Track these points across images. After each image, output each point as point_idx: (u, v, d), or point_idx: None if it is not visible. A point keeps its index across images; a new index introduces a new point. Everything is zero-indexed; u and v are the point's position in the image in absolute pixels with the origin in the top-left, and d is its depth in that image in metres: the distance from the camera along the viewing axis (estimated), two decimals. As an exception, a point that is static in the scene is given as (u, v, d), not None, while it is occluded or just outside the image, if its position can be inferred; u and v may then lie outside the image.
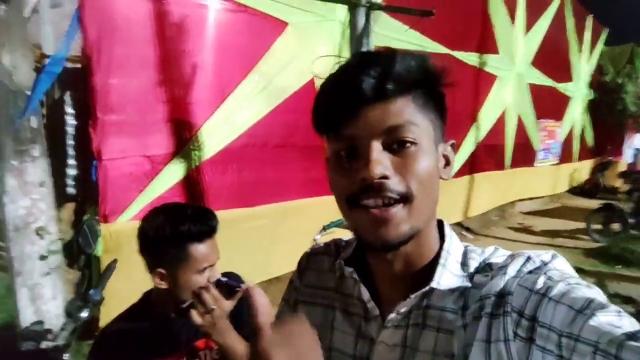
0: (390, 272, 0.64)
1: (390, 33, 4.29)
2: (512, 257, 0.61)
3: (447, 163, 0.63)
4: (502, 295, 0.56)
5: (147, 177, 3.04)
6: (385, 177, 0.56)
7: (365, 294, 0.65)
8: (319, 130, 0.62)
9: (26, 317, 2.72)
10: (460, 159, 6.12)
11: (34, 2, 2.71)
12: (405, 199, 0.57)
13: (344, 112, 0.58)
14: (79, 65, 2.85)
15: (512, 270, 0.58)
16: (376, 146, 0.57)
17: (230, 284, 1.12)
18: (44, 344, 1.30)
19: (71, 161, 2.98)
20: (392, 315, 0.62)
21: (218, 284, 1.11)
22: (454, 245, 0.64)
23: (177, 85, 3.18)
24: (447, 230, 0.66)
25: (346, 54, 2.62)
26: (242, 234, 3.38)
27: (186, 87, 3.22)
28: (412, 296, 0.61)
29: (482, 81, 6.49)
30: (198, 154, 3.25)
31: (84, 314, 1.35)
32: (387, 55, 0.58)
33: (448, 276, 0.61)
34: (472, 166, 6.50)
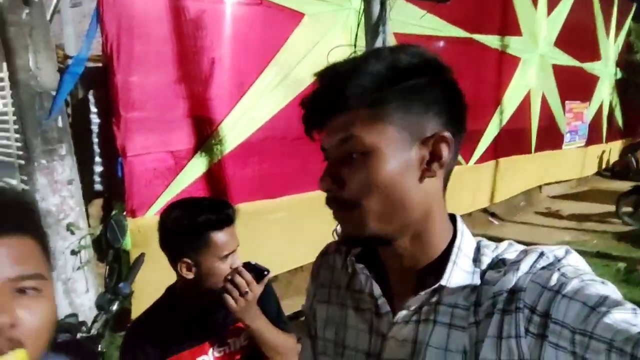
0: (398, 267, 0.65)
1: (408, 19, 4.23)
2: (525, 252, 0.61)
3: (435, 158, 0.60)
4: (514, 292, 0.56)
5: (171, 172, 3.10)
6: (332, 190, 0.61)
7: (377, 290, 0.65)
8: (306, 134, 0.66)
9: (61, 310, 2.83)
10: (484, 143, 6.03)
11: (55, 2, 2.78)
12: (353, 206, 0.60)
13: (311, 128, 0.63)
14: (100, 64, 2.91)
15: (524, 266, 0.58)
16: (330, 161, 0.62)
17: (258, 268, 1.16)
18: (79, 336, 1.35)
19: (97, 158, 3.06)
20: (402, 311, 0.63)
21: (246, 267, 1.15)
22: (465, 242, 0.64)
23: (197, 81, 3.22)
24: (460, 226, 0.65)
25: (362, 43, 2.60)
26: (264, 226, 3.42)
27: (205, 82, 3.25)
28: (422, 293, 0.61)
29: (505, 64, 6.34)
30: (219, 148, 3.30)
31: (114, 307, 1.40)
32: (342, 68, 0.60)
33: (459, 273, 0.61)
34: (497, 151, 6.39)
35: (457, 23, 5.18)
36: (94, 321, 1.37)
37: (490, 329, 0.56)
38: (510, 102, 6.57)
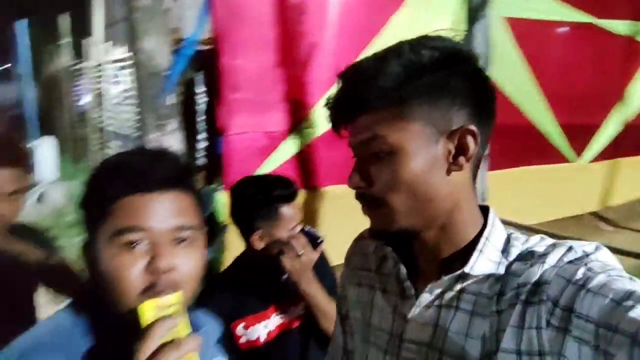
0: (425, 254, 0.66)
1: (518, 2, 3.95)
2: (553, 246, 0.60)
3: (462, 151, 0.60)
4: (539, 284, 0.56)
5: (265, 152, 3.27)
6: (360, 187, 0.63)
7: (403, 273, 0.68)
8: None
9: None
10: (602, 140, 5.47)
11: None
12: (380, 203, 0.62)
13: (336, 127, 0.65)
14: (209, 47, 3.14)
15: (551, 260, 0.57)
16: (358, 158, 0.64)
17: (313, 234, 1.23)
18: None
19: (201, 135, 3.32)
20: (425, 295, 0.64)
21: (303, 232, 1.24)
22: (495, 233, 0.64)
23: (295, 65, 3.33)
24: (491, 217, 0.65)
25: (463, 27, 2.50)
26: (349, 209, 3.48)
27: (303, 66, 3.36)
28: (445, 278, 0.62)
29: (633, 53, 5.65)
30: (311, 131, 3.40)
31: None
32: (363, 68, 0.61)
33: (484, 262, 0.62)
34: (618, 149, 5.76)
35: (578, 6, 4.71)
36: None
37: (512, 319, 0.57)
38: (637, 95, 5.86)
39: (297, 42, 3.33)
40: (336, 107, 0.64)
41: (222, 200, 3.17)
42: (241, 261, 1.37)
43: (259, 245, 1.26)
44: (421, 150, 0.59)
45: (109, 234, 0.66)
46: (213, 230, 2.91)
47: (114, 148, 6.63)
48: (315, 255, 1.22)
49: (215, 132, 3.21)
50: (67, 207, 6.54)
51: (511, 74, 3.98)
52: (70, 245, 5.35)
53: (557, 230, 2.17)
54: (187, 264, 0.68)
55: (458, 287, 0.63)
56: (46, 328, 0.71)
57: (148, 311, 0.63)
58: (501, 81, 3.96)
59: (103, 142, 7.24)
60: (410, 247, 0.69)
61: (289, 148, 3.35)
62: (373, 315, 0.72)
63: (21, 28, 7.42)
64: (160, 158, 0.73)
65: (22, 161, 1.35)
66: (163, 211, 0.67)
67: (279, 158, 3.30)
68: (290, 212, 1.27)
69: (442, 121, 0.60)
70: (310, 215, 3.33)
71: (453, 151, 0.60)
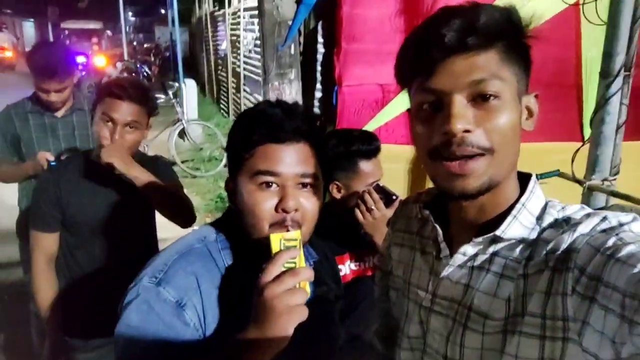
0: (465, 217, 0.68)
1: None
2: (588, 215, 0.59)
3: (530, 114, 0.63)
4: (568, 251, 0.56)
5: (378, 105, 3.26)
6: (467, 131, 0.59)
7: (439, 234, 0.71)
8: (401, 82, 0.65)
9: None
10: None
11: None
12: (487, 152, 0.60)
13: (428, 65, 0.60)
14: (331, -3, 3.14)
15: (584, 228, 0.57)
16: (459, 100, 0.59)
17: (388, 192, 1.26)
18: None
19: (318, 85, 3.42)
20: (458, 256, 0.67)
21: (377, 189, 1.26)
22: (532, 200, 0.65)
23: (418, 14, 3.20)
24: (531, 185, 0.66)
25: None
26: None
27: (426, 16, 3.21)
28: (477, 240, 0.65)
29: None
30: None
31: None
32: (471, 8, 0.59)
33: (516, 227, 0.63)
34: None
35: None
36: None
37: (539, 285, 0.58)
38: None
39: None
40: (446, 38, 0.59)
41: (332, 149, 3.29)
42: (327, 206, 1.47)
43: (337, 195, 1.35)
44: (515, 102, 0.62)
45: (249, 174, 0.82)
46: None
47: (247, 92, 7.10)
48: (388, 212, 1.26)
49: (332, 83, 3.28)
50: (205, 143, 7.28)
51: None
52: (207, 176, 6.02)
53: None
54: (308, 205, 0.82)
55: (490, 250, 0.65)
56: (195, 237, 0.89)
57: (276, 241, 0.77)
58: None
59: (238, 86, 7.78)
60: (445, 211, 0.72)
61: (402, 102, 3.29)
62: (413, 274, 0.77)
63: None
64: (293, 112, 0.86)
65: (143, 99, 1.58)
66: (291, 159, 0.82)
67: (392, 112, 3.27)
68: (369, 168, 1.32)
69: (524, 81, 0.64)
70: (416, 172, 3.30)
71: (525, 114, 0.64)
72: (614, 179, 2.16)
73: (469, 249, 0.66)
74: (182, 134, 6.74)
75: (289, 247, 0.76)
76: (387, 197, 1.28)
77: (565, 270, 0.56)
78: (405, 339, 0.76)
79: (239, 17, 7.30)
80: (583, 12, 2.26)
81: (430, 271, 0.73)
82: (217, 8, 10.55)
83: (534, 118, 0.65)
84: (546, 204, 0.66)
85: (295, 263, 0.74)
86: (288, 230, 0.79)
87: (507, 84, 0.60)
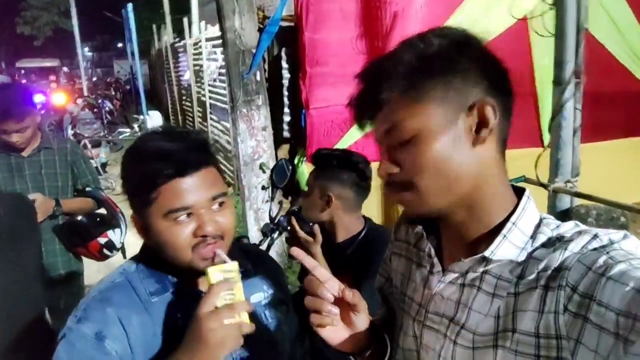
0: (452, 234, 0.69)
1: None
2: (579, 233, 0.59)
3: (483, 124, 0.61)
4: (560, 269, 0.57)
5: (346, 124, 3.33)
6: (391, 174, 0.65)
7: (432, 250, 0.72)
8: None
9: (253, 234, 3.41)
10: None
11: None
12: (408, 187, 0.64)
13: (362, 125, 0.68)
14: (292, 24, 3.23)
15: (574, 246, 0.57)
16: (384, 149, 0.66)
17: (303, 217, 1.40)
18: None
19: (286, 109, 3.47)
20: (449, 274, 0.68)
21: (294, 214, 1.41)
22: (525, 217, 0.64)
23: (377, 36, 3.31)
24: (523, 202, 0.65)
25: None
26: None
27: (386, 38, 3.32)
28: (465, 260, 0.65)
29: None
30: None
31: (275, 235, 1.68)
32: (376, 66, 0.65)
33: (507, 247, 0.62)
34: None
35: None
36: (259, 245, 1.68)
37: (531, 303, 0.58)
38: None
39: (380, 12, 3.28)
40: (357, 107, 0.68)
41: (304, 171, 3.32)
42: None
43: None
44: (441, 129, 0.61)
45: (160, 213, 0.82)
46: (294, 200, 3.08)
47: (215, 120, 7.07)
48: (309, 238, 1.36)
49: (299, 106, 3.33)
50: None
51: (619, 33, 3.60)
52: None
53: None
54: (225, 221, 0.85)
55: (481, 268, 0.64)
56: (116, 272, 0.92)
57: (214, 273, 0.78)
58: (608, 43, 3.60)
59: (204, 115, 7.75)
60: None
61: (370, 121, 3.38)
62: (408, 286, 0.77)
63: (129, 10, 8.09)
64: (189, 141, 0.86)
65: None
66: (200, 188, 0.83)
67: (360, 131, 3.35)
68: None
69: (457, 98, 0.61)
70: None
71: (474, 125, 0.61)
72: (576, 180, 2.26)
73: (459, 267, 0.66)
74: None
75: (227, 278, 0.77)
76: (304, 223, 1.36)
77: (557, 288, 0.55)
78: (400, 350, 0.77)
79: (200, 47, 7.33)
80: (532, 25, 2.40)
81: (424, 285, 0.73)
82: (177, 39, 10.57)
83: (490, 127, 0.61)
84: (540, 222, 0.64)
85: (233, 294, 0.76)
86: (215, 254, 0.82)
87: (425, 117, 0.61)
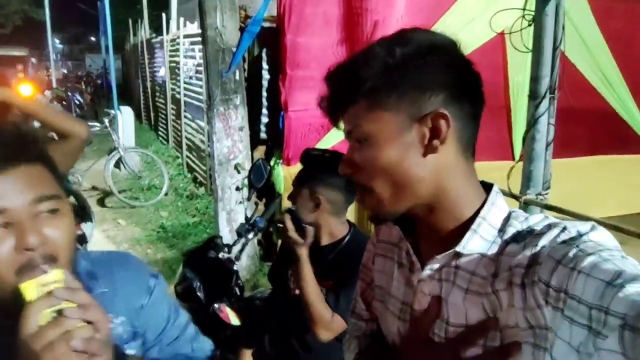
0: (425, 231, 0.71)
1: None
2: (549, 226, 0.61)
3: (435, 135, 0.63)
4: (532, 265, 0.58)
5: (324, 128, 3.33)
6: (347, 174, 0.68)
7: (410, 248, 0.73)
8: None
9: (225, 235, 3.36)
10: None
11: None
12: (366, 190, 0.66)
13: (335, 122, 0.70)
14: (274, 25, 3.21)
15: (544, 241, 0.59)
16: (350, 146, 0.68)
17: (298, 218, 1.35)
18: (221, 254, 1.65)
19: (264, 110, 3.44)
20: (425, 271, 0.69)
21: (290, 213, 1.37)
22: (492, 212, 0.66)
23: (358, 43, 3.33)
24: (492, 197, 0.67)
25: (532, 7, 2.38)
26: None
27: (367, 44, 3.34)
28: (438, 256, 0.67)
29: None
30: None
31: (250, 236, 1.65)
32: (341, 69, 0.67)
33: (477, 240, 0.64)
34: None
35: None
36: (233, 245, 1.65)
37: (516, 302, 0.59)
38: None
39: (361, 19, 3.31)
40: (326, 105, 0.70)
41: (280, 173, 3.29)
42: None
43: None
44: (394, 137, 0.63)
45: None
46: (269, 202, 3.04)
47: (189, 118, 6.97)
48: (299, 239, 1.33)
49: (278, 108, 3.31)
50: (144, 171, 7.02)
51: (590, 55, 3.73)
52: (147, 205, 5.80)
53: (632, 225, 2.06)
54: (56, 234, 0.67)
55: (454, 263, 0.66)
56: None
57: (30, 290, 0.62)
58: (579, 63, 3.72)
59: (178, 112, 7.63)
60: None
61: (347, 126, 3.38)
62: (392, 286, 0.78)
63: (105, 3, 7.91)
64: (6, 133, 0.70)
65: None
66: (15, 188, 0.66)
67: (338, 135, 3.34)
68: None
69: (412, 109, 0.63)
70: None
71: (427, 135, 0.63)
72: (547, 193, 2.32)
73: (434, 264, 0.68)
74: (119, 162, 6.47)
75: (49, 291, 0.62)
76: (297, 225, 1.33)
77: (532, 285, 0.57)
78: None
79: (178, 43, 7.22)
80: (510, 40, 2.46)
81: (406, 283, 0.74)
82: (154, 35, 10.37)
83: (442, 137, 0.62)
84: (509, 215, 0.66)
85: (60, 303, 0.61)
86: (45, 272, 0.63)
87: (382, 124, 0.63)
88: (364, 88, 0.64)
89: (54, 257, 0.66)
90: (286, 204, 1.85)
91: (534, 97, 2.18)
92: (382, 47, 0.64)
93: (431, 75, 0.63)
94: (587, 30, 3.66)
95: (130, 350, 0.82)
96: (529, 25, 2.27)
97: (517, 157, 3.25)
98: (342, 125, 0.70)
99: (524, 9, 2.54)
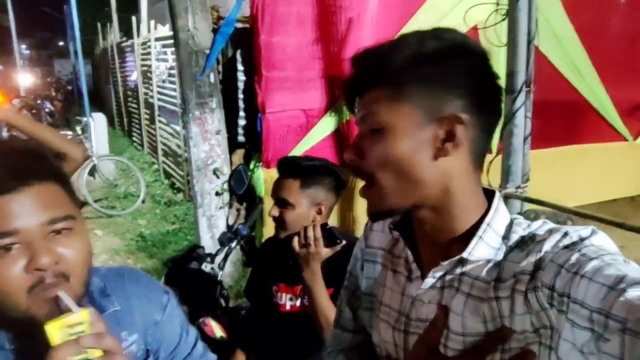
0: (427, 237, 0.69)
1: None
2: (550, 232, 0.60)
3: (450, 138, 0.62)
4: (535, 271, 0.58)
5: (303, 130, 3.30)
6: (352, 161, 0.66)
7: (410, 256, 0.71)
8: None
9: (206, 242, 3.30)
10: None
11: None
12: (371, 182, 0.64)
13: (349, 105, 0.69)
14: (247, 26, 3.16)
15: (547, 246, 0.58)
16: (360, 132, 0.66)
17: (333, 233, 1.24)
18: (204, 265, 1.60)
19: (241, 113, 3.39)
20: (428, 279, 0.68)
21: (324, 228, 1.25)
22: (497, 219, 0.65)
23: (333, 41, 3.30)
24: (495, 203, 0.66)
25: (505, 2, 2.40)
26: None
27: (341, 43, 3.32)
28: (444, 263, 0.65)
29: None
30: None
31: (233, 244, 1.62)
32: (372, 51, 0.65)
33: (483, 248, 0.64)
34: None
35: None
36: (215, 255, 1.60)
37: (518, 309, 0.59)
38: None
39: (335, 17, 3.28)
40: (346, 86, 0.68)
41: (260, 177, 3.25)
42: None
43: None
44: (409, 131, 0.62)
45: None
46: (250, 206, 3.00)
47: (163, 122, 6.85)
48: (325, 252, 1.25)
49: (255, 110, 3.26)
50: (119, 179, 6.87)
51: (561, 46, 3.79)
52: (125, 214, 5.68)
53: (608, 213, 2.09)
54: (71, 253, 0.67)
55: (458, 270, 0.65)
56: None
57: (54, 332, 0.61)
58: (550, 54, 3.77)
59: (152, 117, 7.49)
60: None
61: (326, 126, 3.35)
62: (385, 294, 0.76)
63: (72, 7, 7.69)
64: (11, 154, 0.69)
65: None
66: (29, 208, 0.65)
67: (317, 136, 3.32)
68: None
69: (433, 107, 0.62)
70: (346, 193, 3.36)
71: (441, 137, 0.62)
72: (526, 186, 2.34)
73: (438, 272, 0.67)
74: (93, 171, 6.32)
75: (74, 333, 0.61)
76: (330, 238, 1.26)
77: (535, 290, 0.57)
78: (383, 358, 0.75)
79: (149, 47, 7.07)
80: (485, 35, 2.47)
81: (402, 292, 0.72)
82: (124, 39, 10.16)
83: (456, 142, 0.61)
84: (512, 222, 0.66)
85: (86, 352, 0.61)
86: (56, 295, 0.63)
87: (399, 116, 0.62)
88: (389, 72, 0.62)
89: (66, 275, 0.66)
90: (267, 207, 1.82)
91: (510, 91, 2.19)
92: (415, 37, 0.63)
93: (459, 77, 0.61)
94: (557, 22, 3.72)
95: None
96: (503, 19, 2.28)
97: (494, 150, 3.30)
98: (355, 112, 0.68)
99: (497, 4, 2.57)
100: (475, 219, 0.65)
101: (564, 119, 4.04)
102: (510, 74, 2.21)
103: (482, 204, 0.67)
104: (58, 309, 0.64)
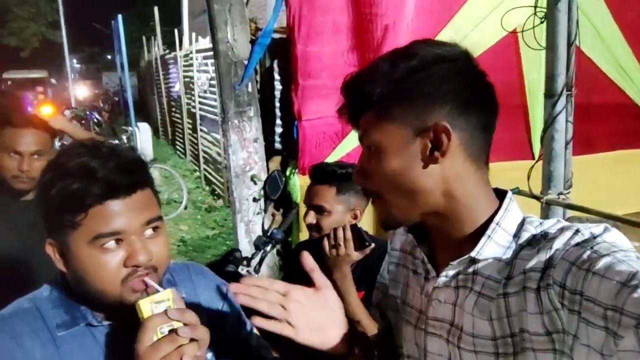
0: (440, 239, 0.71)
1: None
2: (561, 230, 0.61)
3: (437, 147, 0.64)
4: (547, 269, 0.58)
5: (338, 136, 3.32)
6: (359, 182, 0.71)
7: (423, 256, 0.74)
8: None
9: (244, 247, 3.37)
10: None
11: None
12: (376, 197, 0.69)
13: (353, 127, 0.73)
14: (284, 36, 3.23)
15: (558, 244, 0.59)
16: (362, 154, 0.70)
17: (363, 236, 1.25)
18: (240, 268, 1.65)
19: (278, 121, 3.46)
20: (441, 278, 0.70)
21: (354, 229, 1.25)
22: (507, 218, 0.66)
23: (369, 49, 3.32)
24: (506, 203, 0.67)
25: (544, 4, 2.35)
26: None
27: (377, 50, 3.33)
28: (454, 263, 0.67)
29: None
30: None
31: (268, 248, 1.65)
32: (356, 79, 0.69)
33: (492, 246, 0.65)
34: None
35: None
36: (251, 258, 1.64)
37: (529, 307, 0.59)
38: None
39: (371, 25, 3.31)
40: (342, 115, 0.73)
41: (296, 183, 3.29)
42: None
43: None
44: (398, 148, 0.65)
45: (86, 238, 0.73)
46: (286, 212, 3.05)
47: (205, 131, 7.04)
48: (355, 255, 1.25)
49: (291, 118, 3.32)
50: (162, 186, 7.12)
51: (605, 47, 3.66)
52: (167, 219, 5.89)
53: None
54: (159, 250, 0.77)
55: (470, 270, 0.66)
56: (27, 297, 0.83)
57: (145, 307, 0.71)
58: (594, 55, 3.65)
59: (194, 126, 7.72)
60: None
61: (362, 132, 3.37)
62: (408, 294, 0.78)
63: (118, 22, 8.07)
64: (123, 158, 0.77)
65: (44, 126, 1.57)
66: (133, 212, 0.75)
67: (352, 143, 3.34)
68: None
69: (416, 121, 0.65)
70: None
71: (430, 146, 0.64)
72: (569, 192, 2.27)
73: (450, 271, 0.69)
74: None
75: (161, 309, 0.71)
76: (360, 241, 1.26)
77: (547, 287, 0.57)
78: (404, 358, 0.78)
79: (191, 58, 7.32)
80: (523, 38, 2.42)
81: (422, 292, 0.74)
82: (167, 51, 10.55)
83: (443, 149, 0.63)
84: (523, 220, 0.67)
85: (172, 325, 0.70)
86: (145, 285, 0.74)
87: (389, 134, 0.65)
88: (370, 101, 0.66)
89: (156, 268, 0.77)
90: (303, 213, 1.85)
91: (550, 95, 2.14)
92: (386, 62, 0.66)
93: (435, 87, 0.63)
94: (601, 22, 3.59)
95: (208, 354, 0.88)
96: (542, 22, 2.24)
97: (536, 155, 3.20)
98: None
99: (535, 6, 2.52)
100: (485, 218, 0.67)
101: (609, 123, 3.89)
102: (551, 77, 2.16)
103: (492, 203, 0.68)
104: (145, 292, 0.74)
